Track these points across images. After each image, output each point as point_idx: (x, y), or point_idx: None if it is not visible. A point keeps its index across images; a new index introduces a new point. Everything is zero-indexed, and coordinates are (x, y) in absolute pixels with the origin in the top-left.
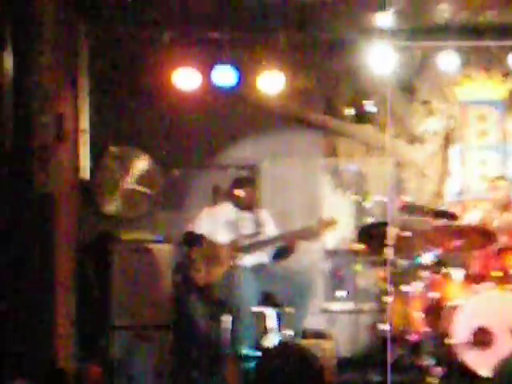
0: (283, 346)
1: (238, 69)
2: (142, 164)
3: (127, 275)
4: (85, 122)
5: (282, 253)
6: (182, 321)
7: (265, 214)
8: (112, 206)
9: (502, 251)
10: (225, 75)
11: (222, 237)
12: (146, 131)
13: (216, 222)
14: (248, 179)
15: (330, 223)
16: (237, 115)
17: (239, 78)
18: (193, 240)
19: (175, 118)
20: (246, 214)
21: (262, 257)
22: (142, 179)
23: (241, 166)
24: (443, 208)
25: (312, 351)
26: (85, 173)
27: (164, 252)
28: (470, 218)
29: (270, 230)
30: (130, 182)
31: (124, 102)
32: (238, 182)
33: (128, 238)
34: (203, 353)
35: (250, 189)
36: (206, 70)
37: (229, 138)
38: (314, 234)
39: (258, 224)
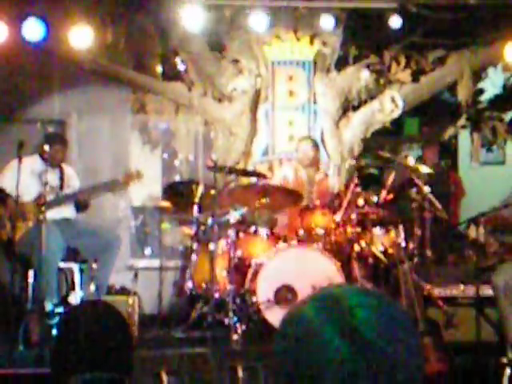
0: (87, 301)
1: (46, 22)
2: None
3: None
4: None
5: (79, 206)
6: None
7: (70, 170)
8: None
9: (305, 210)
10: (33, 29)
11: (28, 190)
12: None
13: (21, 176)
14: (57, 136)
15: (135, 175)
16: (45, 70)
17: (48, 32)
18: None
19: None
20: (53, 169)
21: (67, 211)
22: None
23: (48, 121)
24: (252, 168)
25: (116, 307)
26: None
27: None
28: (277, 177)
29: (75, 185)
30: None
31: None
32: (48, 138)
33: None
34: (6, 308)
35: (59, 146)
36: (15, 23)
37: (37, 92)
38: (119, 186)
39: (64, 179)
